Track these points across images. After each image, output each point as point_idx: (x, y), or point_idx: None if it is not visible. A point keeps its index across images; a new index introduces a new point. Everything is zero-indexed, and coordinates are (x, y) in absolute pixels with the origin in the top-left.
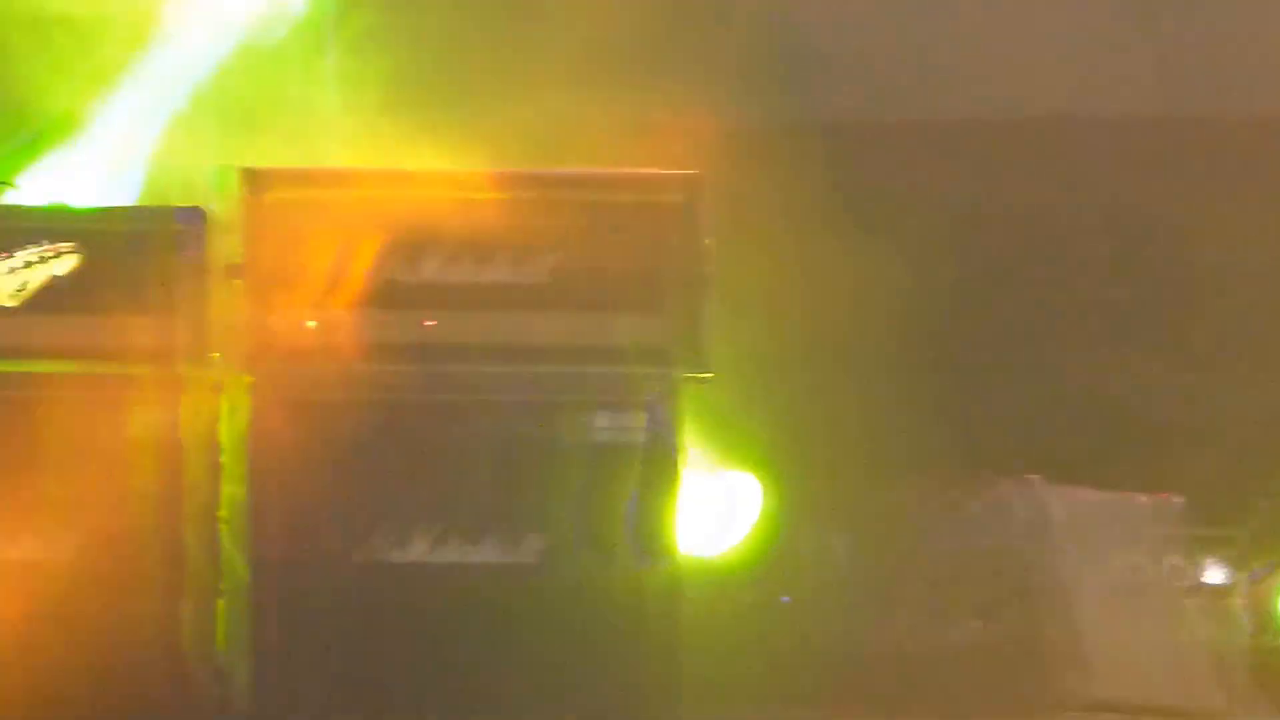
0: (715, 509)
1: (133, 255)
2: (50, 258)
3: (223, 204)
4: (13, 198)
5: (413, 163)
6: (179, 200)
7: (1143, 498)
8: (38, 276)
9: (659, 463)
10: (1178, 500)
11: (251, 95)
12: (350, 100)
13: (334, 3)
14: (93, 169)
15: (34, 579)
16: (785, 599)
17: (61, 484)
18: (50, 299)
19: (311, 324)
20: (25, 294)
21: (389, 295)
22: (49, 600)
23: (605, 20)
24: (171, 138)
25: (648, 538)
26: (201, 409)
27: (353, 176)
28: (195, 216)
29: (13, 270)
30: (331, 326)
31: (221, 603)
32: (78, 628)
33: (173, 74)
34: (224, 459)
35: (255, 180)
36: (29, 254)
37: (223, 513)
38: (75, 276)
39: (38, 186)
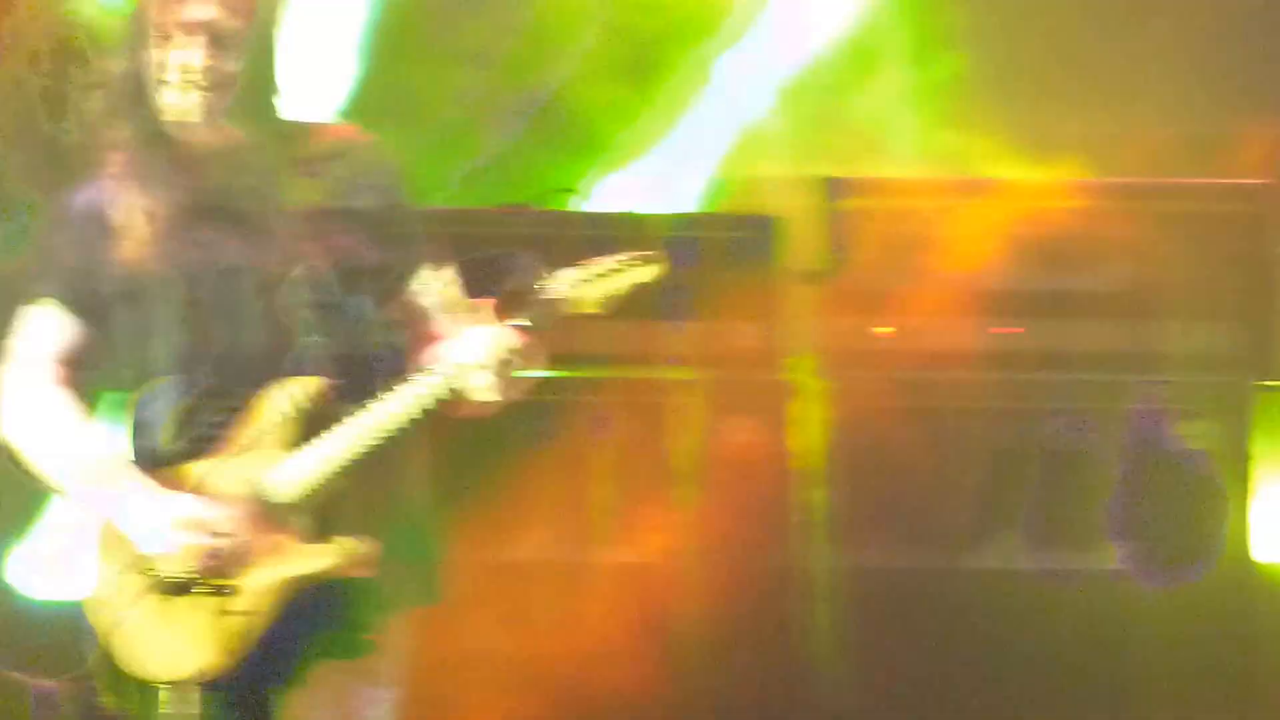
0: None
1: (712, 262)
2: (634, 265)
3: (798, 211)
4: (584, 205)
5: (984, 172)
6: (743, 207)
7: None
8: (622, 284)
9: (1232, 471)
10: None
11: (820, 101)
12: (921, 107)
13: (903, 7)
14: (661, 175)
15: (632, 582)
16: None
17: (651, 489)
18: (633, 306)
19: (888, 330)
20: (612, 302)
21: (965, 303)
22: (647, 604)
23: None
24: (741, 144)
25: (1219, 548)
26: (776, 413)
27: (931, 185)
28: (775, 224)
29: (597, 277)
30: (909, 333)
31: (798, 605)
32: (674, 632)
33: (751, 82)
34: (800, 464)
35: (837, 189)
36: (612, 262)
37: (798, 517)
38: (657, 284)
39: (603, 193)
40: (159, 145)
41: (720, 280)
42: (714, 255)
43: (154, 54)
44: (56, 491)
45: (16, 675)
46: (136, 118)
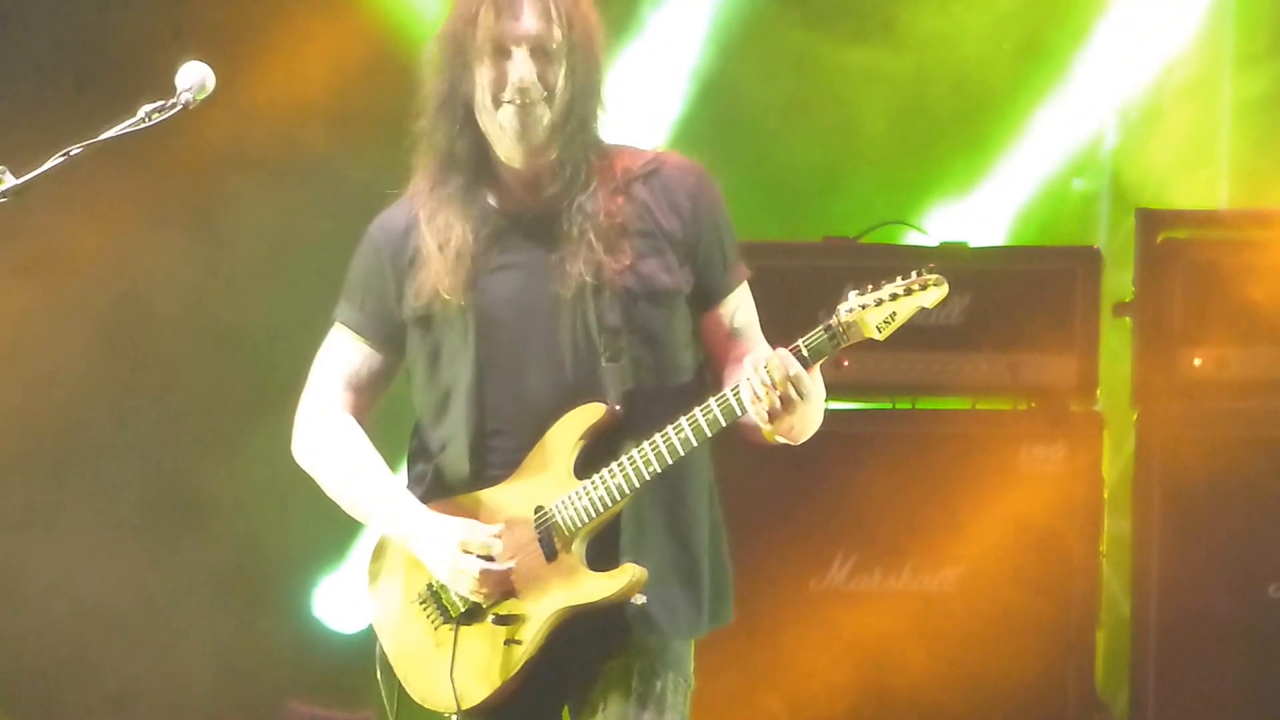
0: None
1: (1029, 293)
2: (915, 289)
3: (1114, 242)
4: (915, 238)
5: None
6: (1064, 238)
7: None
8: (903, 309)
9: None
10: None
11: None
12: (1243, 137)
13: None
14: (991, 206)
15: (922, 611)
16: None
17: (949, 518)
18: (943, 337)
19: (1198, 361)
20: (893, 327)
21: (1276, 333)
22: (935, 632)
23: None
24: (1059, 174)
25: None
26: (1088, 444)
27: (1244, 218)
28: (1091, 256)
29: (876, 302)
30: (1218, 364)
31: (1102, 635)
32: (964, 662)
33: (1076, 114)
34: (1108, 494)
35: (1150, 220)
36: (894, 286)
37: (1105, 548)
38: (970, 315)
39: (935, 225)
40: (478, 167)
41: (1037, 311)
42: (1034, 287)
43: (482, 72)
44: (358, 519)
45: (321, 710)
46: (460, 139)
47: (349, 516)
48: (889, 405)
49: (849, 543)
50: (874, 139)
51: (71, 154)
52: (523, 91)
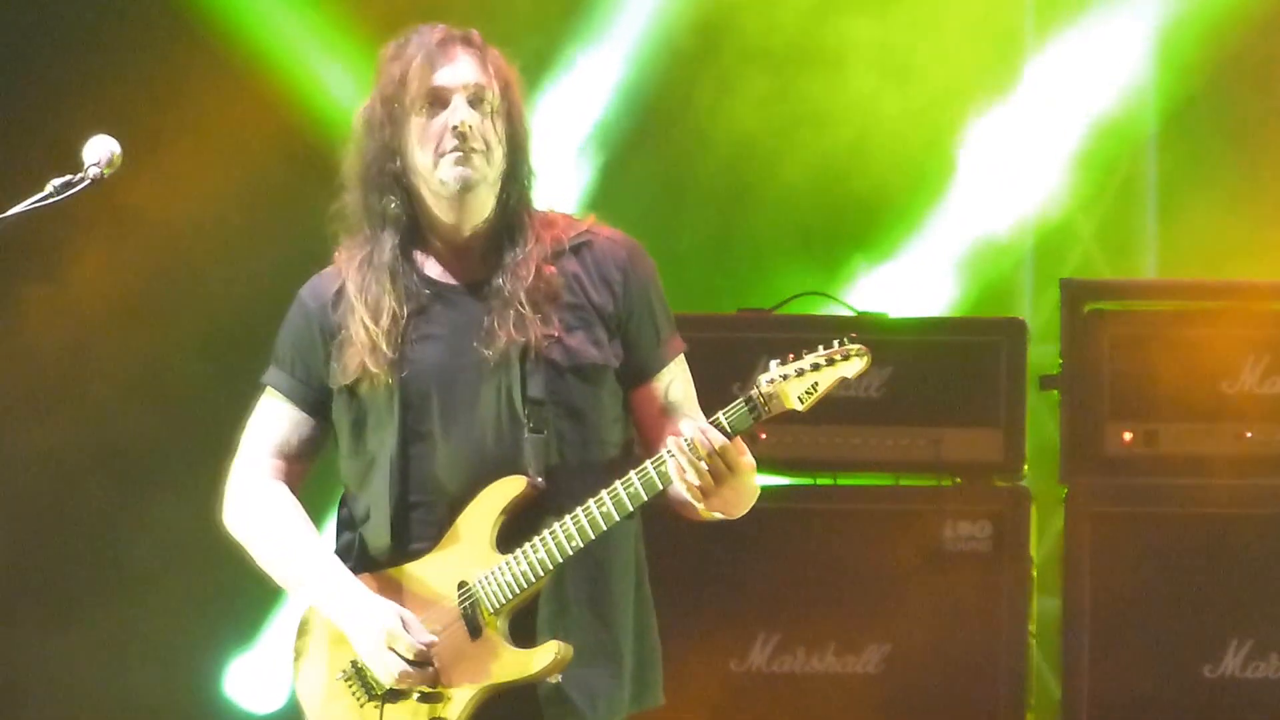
0: None
1: (952, 365)
2: (838, 359)
3: (1038, 313)
4: (834, 309)
5: (1228, 273)
6: (990, 311)
7: None
8: (824, 380)
9: None
10: None
11: (1061, 202)
12: (1169, 206)
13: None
14: (912, 277)
15: (846, 692)
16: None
17: (873, 597)
18: (865, 411)
19: (1128, 436)
20: (814, 399)
21: (1207, 407)
22: (860, 715)
23: None
24: (983, 246)
25: None
26: (1015, 521)
27: (1173, 288)
28: (1016, 327)
29: (797, 374)
30: (1148, 439)
31: (1031, 718)
32: None
33: (997, 182)
34: (1036, 572)
35: (1076, 290)
36: (815, 356)
37: (1033, 627)
38: (892, 388)
39: (858, 296)
40: (408, 234)
41: (961, 384)
42: (957, 359)
43: (418, 126)
44: (288, 590)
45: None
46: (390, 205)
47: (263, 591)
48: (810, 480)
49: (771, 622)
50: (791, 207)
51: None
52: (463, 136)
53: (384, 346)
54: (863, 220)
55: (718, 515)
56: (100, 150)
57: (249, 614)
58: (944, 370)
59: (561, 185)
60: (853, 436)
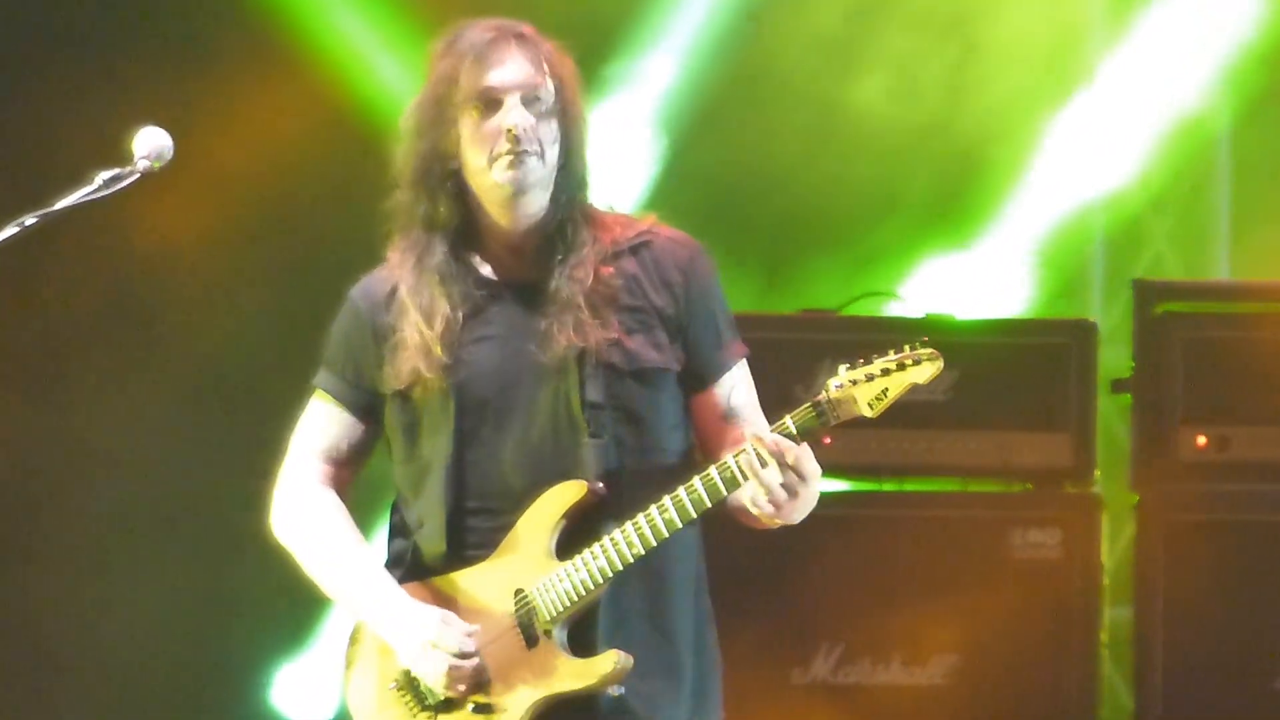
0: None
1: (1020, 369)
2: (908, 364)
3: (1111, 316)
4: (897, 309)
5: None
6: (1059, 312)
7: None
8: (895, 385)
9: None
10: None
11: (1137, 199)
12: (1243, 206)
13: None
14: (980, 277)
15: (912, 704)
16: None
17: (940, 606)
18: (931, 415)
19: (1201, 441)
20: (885, 404)
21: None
22: None
23: None
24: (1053, 246)
25: None
26: (1086, 528)
27: (1247, 289)
28: (1086, 329)
29: (867, 378)
30: (1221, 444)
31: None
32: None
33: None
34: (1107, 581)
35: (1147, 292)
36: (885, 361)
37: (1104, 637)
38: (959, 391)
39: (922, 296)
40: (462, 235)
41: (1030, 388)
42: (1026, 362)
43: (470, 127)
44: (334, 600)
45: None
46: (443, 205)
47: (311, 598)
48: (875, 486)
49: (834, 632)
50: (858, 207)
51: (26, 224)
52: (517, 139)
53: (437, 351)
54: (930, 220)
55: (778, 522)
56: (151, 143)
57: (297, 622)
58: (1012, 373)
59: (621, 183)
60: (919, 441)
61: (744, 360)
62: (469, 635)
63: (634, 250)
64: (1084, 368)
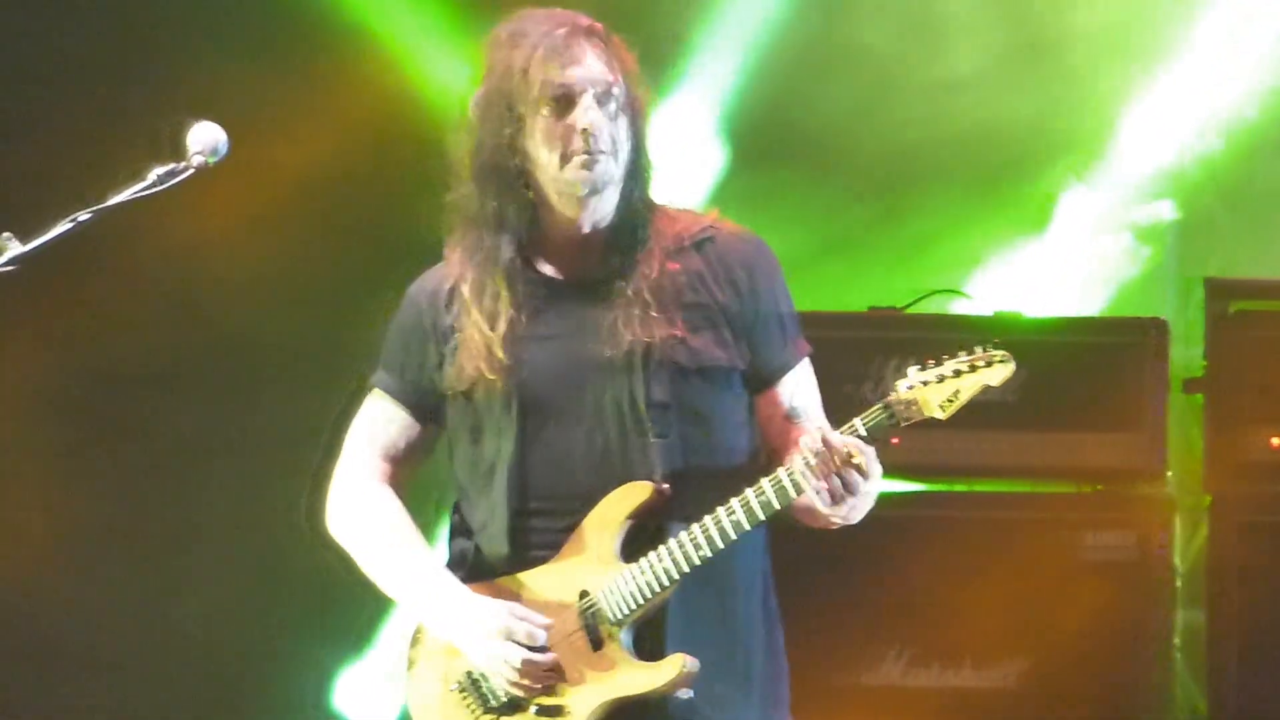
0: None
1: (1091, 368)
2: (980, 366)
3: (1183, 314)
4: (964, 307)
5: None
6: (1131, 310)
7: None
8: (966, 387)
9: None
10: None
11: (1209, 196)
12: None
13: None
14: (1050, 274)
15: (983, 708)
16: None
17: (1010, 609)
18: (1001, 415)
19: (1276, 441)
20: (955, 406)
21: None
22: None
23: None
24: (1124, 242)
25: None
26: (1158, 530)
27: None
28: (1158, 328)
29: (939, 380)
30: None
31: None
32: None
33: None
34: (1181, 583)
35: (1220, 290)
36: (957, 362)
37: (1177, 640)
38: (1029, 391)
39: (990, 294)
40: (527, 232)
41: (1100, 387)
42: (1096, 361)
43: (542, 125)
44: (394, 600)
45: None
46: (510, 203)
47: (372, 600)
48: (944, 487)
49: (904, 635)
50: (922, 202)
51: (80, 220)
52: (594, 140)
53: (499, 353)
54: (999, 215)
55: (838, 521)
56: (205, 138)
57: (358, 624)
58: (1083, 372)
59: (690, 181)
60: (988, 441)
61: (807, 359)
62: (541, 623)
63: (698, 246)
64: (1156, 367)
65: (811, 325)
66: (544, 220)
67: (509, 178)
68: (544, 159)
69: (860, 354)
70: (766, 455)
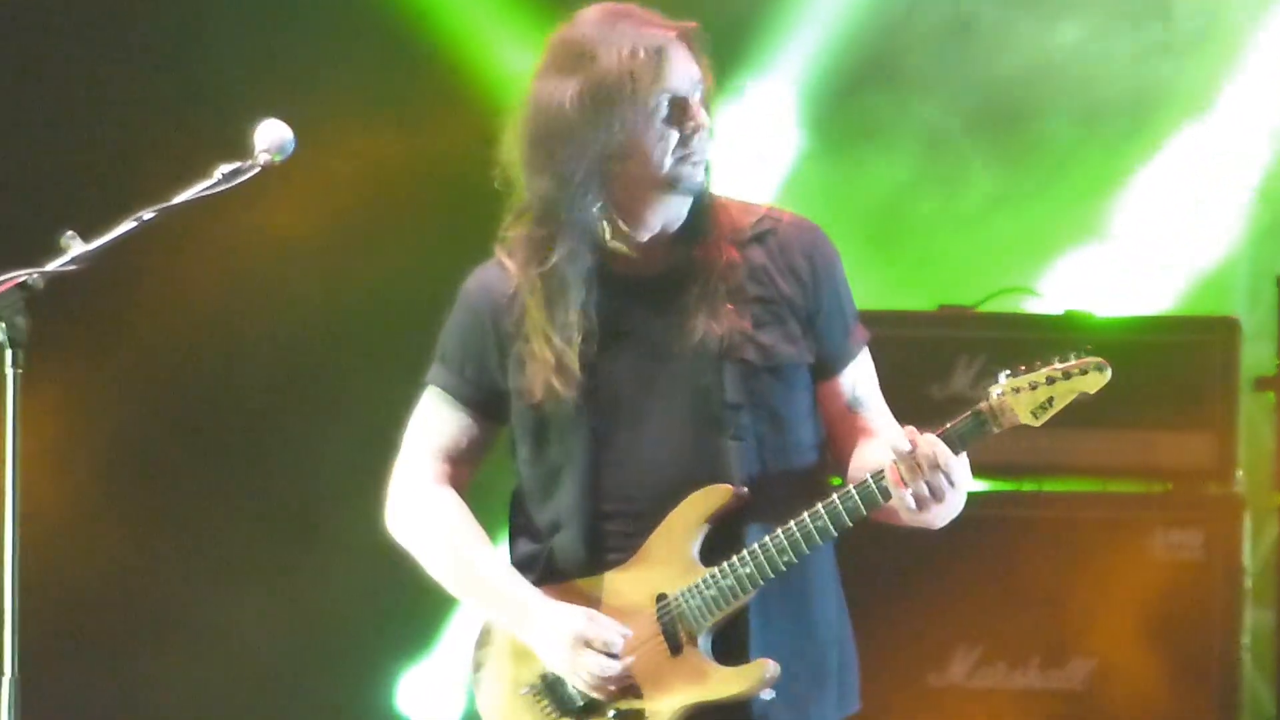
0: None
1: (1161, 367)
2: (1076, 373)
3: (1254, 313)
4: (1035, 305)
5: None
6: (1202, 309)
7: None
8: (1061, 394)
9: None
10: None
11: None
12: None
13: None
14: (1120, 272)
15: (1051, 709)
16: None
17: (1078, 608)
18: (1070, 414)
19: None
20: (1048, 413)
21: None
22: None
23: None
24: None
25: None
26: (1228, 529)
27: None
28: (1229, 327)
29: (1031, 386)
30: None
31: None
32: None
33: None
34: (1250, 583)
35: None
36: (1051, 368)
37: (1247, 640)
38: (1101, 389)
39: (1058, 292)
40: (607, 230)
41: (1171, 386)
42: (1167, 360)
43: (657, 126)
44: (463, 601)
45: None
46: (604, 202)
47: (435, 600)
48: (1014, 486)
49: (972, 635)
50: (992, 200)
51: (144, 219)
52: (703, 141)
53: (573, 366)
54: (1067, 212)
55: (919, 525)
56: (272, 136)
57: (421, 624)
58: (1153, 371)
59: (757, 174)
60: (1058, 440)
61: (866, 347)
62: (621, 632)
63: (759, 238)
64: (1227, 365)
65: (881, 324)
66: (623, 219)
67: (603, 181)
68: (653, 159)
69: (931, 353)
70: (829, 449)
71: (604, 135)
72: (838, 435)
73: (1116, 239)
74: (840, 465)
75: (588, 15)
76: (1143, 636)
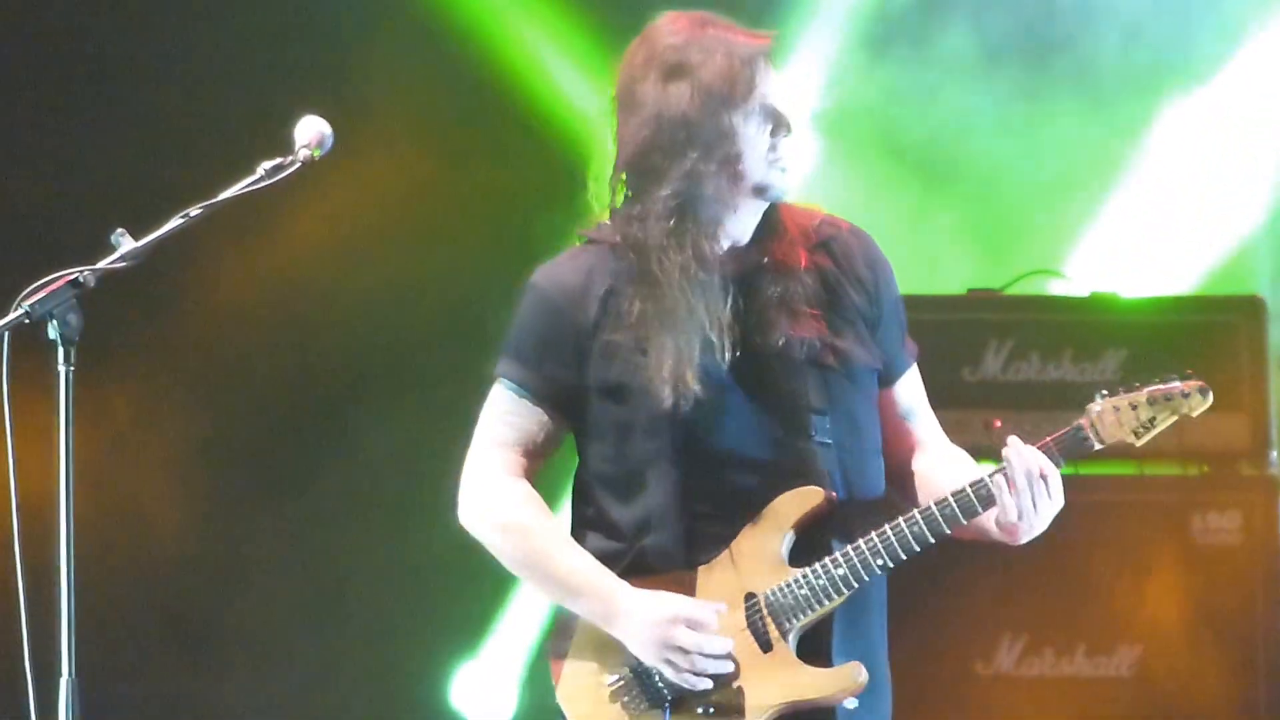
0: None
1: (1189, 347)
2: (1179, 398)
3: (1277, 292)
4: (1060, 287)
5: None
6: (1226, 288)
7: None
8: (1164, 416)
9: None
10: None
11: None
12: None
13: None
14: (1145, 253)
15: (1098, 697)
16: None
17: (1121, 594)
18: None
19: None
20: (1151, 434)
21: None
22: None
23: None
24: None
25: None
26: (1264, 510)
27: None
28: (1254, 306)
29: (1131, 407)
30: None
31: None
32: None
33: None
34: None
35: None
36: (1154, 391)
37: None
38: (1129, 371)
39: (1083, 274)
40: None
41: (1200, 366)
42: (1194, 340)
43: (760, 134)
44: (544, 595)
45: None
46: (710, 203)
47: (488, 595)
48: None
49: (1017, 622)
50: (1016, 184)
51: (191, 215)
52: (793, 150)
53: (689, 377)
54: (1092, 193)
55: (1005, 539)
56: (311, 131)
57: (473, 620)
58: (1182, 352)
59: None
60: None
61: (916, 353)
62: (715, 608)
63: (824, 245)
64: (1254, 345)
65: (911, 308)
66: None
67: (713, 179)
68: (752, 166)
69: (960, 336)
70: (892, 450)
71: (722, 138)
72: (892, 442)
73: (1139, 219)
74: (890, 473)
75: (674, 25)
76: (1187, 621)
